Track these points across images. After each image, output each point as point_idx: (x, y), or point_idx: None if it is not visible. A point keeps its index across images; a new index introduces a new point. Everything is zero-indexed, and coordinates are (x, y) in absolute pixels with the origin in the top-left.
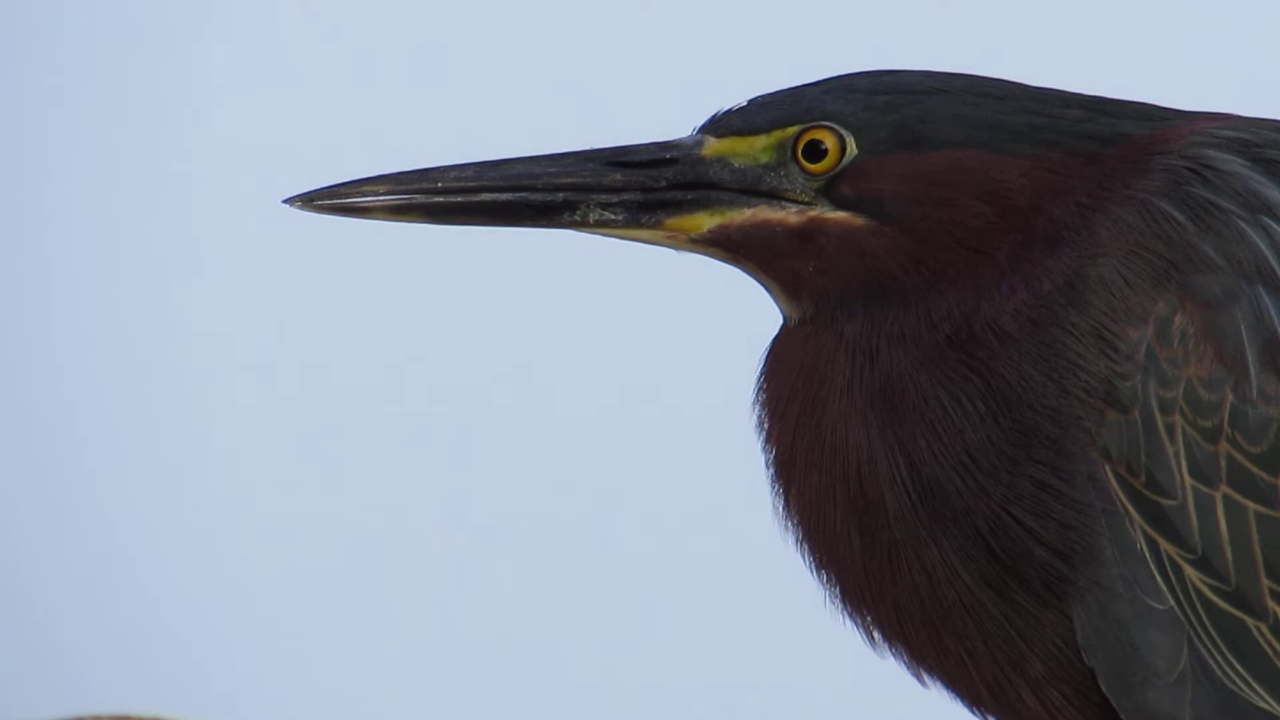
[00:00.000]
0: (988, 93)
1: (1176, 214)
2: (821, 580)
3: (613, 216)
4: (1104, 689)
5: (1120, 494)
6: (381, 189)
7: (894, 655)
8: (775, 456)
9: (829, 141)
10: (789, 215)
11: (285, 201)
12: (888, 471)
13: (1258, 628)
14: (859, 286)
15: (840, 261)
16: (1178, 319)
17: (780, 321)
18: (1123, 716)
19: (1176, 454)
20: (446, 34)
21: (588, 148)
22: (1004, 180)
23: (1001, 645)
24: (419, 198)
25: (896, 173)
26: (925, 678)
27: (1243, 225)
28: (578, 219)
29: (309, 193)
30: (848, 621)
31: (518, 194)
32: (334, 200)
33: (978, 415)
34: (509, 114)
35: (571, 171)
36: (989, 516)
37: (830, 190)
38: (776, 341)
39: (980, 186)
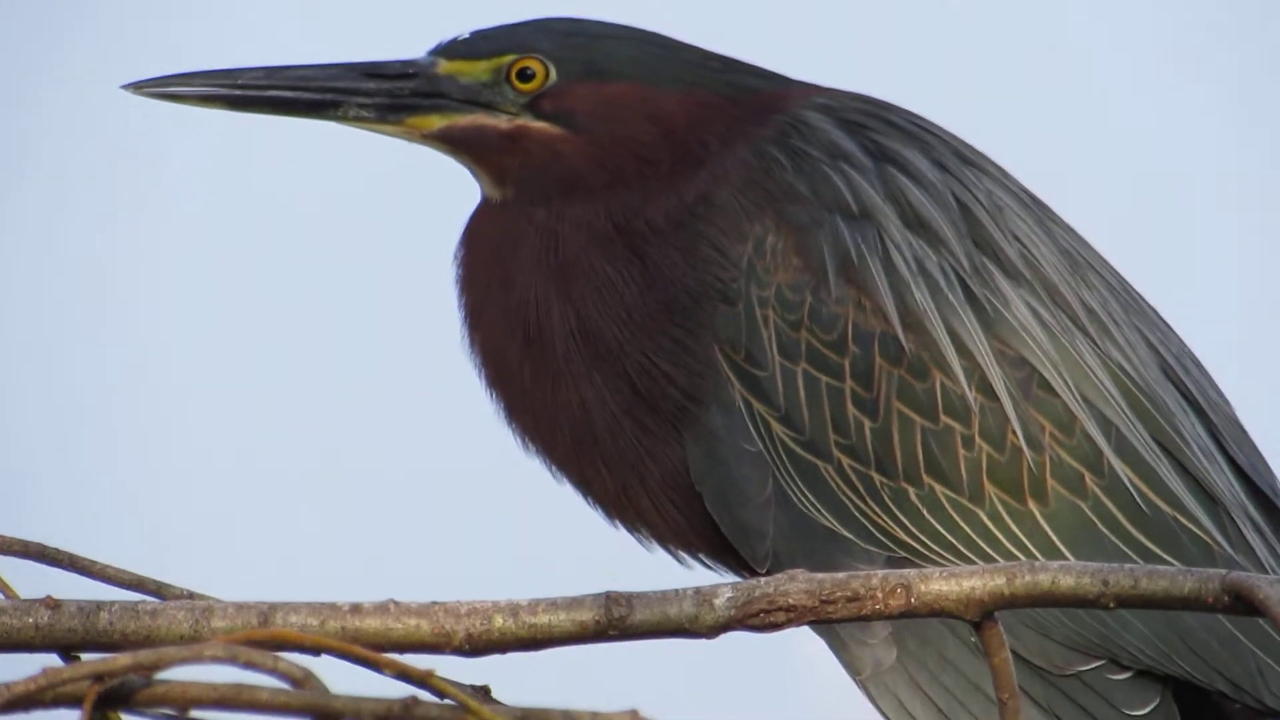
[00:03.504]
0: (653, 42)
1: (781, 157)
2: (493, 398)
3: (366, 115)
4: (710, 509)
5: (725, 366)
6: (196, 83)
7: (540, 459)
8: (468, 305)
9: (537, 68)
10: (501, 122)
11: (123, 87)
12: (560, 321)
13: (825, 468)
14: (552, 180)
15: (540, 159)
16: (770, 238)
17: (480, 201)
18: (724, 529)
19: (769, 338)
20: None
21: (350, 61)
22: (666, 107)
23: (632, 461)
24: (222, 90)
25: (586, 95)
26: (563, 479)
27: (826, 169)
28: (340, 115)
29: (141, 81)
30: (508, 430)
31: (296, 92)
32: (160, 89)
33: (635, 285)
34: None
35: (337, 77)
36: (637, 361)
37: (533, 106)
38: (476, 217)
39: (648, 110)
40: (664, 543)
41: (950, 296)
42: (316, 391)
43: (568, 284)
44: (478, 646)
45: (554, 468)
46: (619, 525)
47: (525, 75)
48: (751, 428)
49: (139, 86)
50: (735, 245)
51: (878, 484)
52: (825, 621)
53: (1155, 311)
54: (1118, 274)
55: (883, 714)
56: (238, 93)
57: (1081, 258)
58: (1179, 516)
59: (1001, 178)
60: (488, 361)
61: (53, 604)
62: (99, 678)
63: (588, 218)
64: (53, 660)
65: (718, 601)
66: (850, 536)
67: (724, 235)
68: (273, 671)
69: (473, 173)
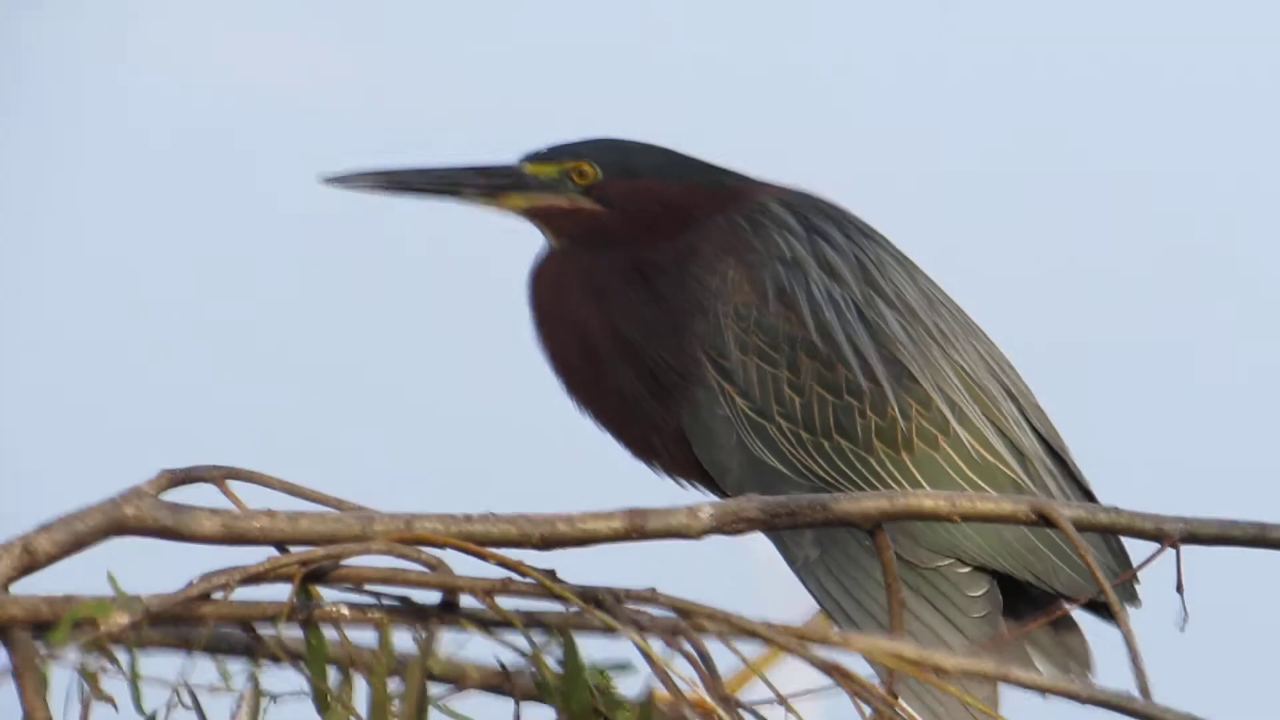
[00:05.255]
0: (665, 153)
1: (745, 226)
2: (558, 381)
3: (476, 196)
4: (696, 452)
5: (704, 359)
6: (368, 180)
7: (589, 417)
8: (537, 321)
9: (589, 170)
10: (564, 201)
11: (321, 180)
12: (601, 331)
13: (770, 427)
14: (595, 238)
15: (588, 225)
16: (732, 274)
17: (545, 249)
18: (705, 466)
19: (730, 339)
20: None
21: (468, 162)
22: (671, 195)
23: (652, 421)
24: (384, 181)
25: (620, 187)
26: (606, 431)
27: (773, 234)
28: (459, 197)
29: (332, 176)
30: (570, 401)
31: (431, 182)
32: (346, 183)
33: (649, 305)
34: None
35: (459, 174)
36: (652, 356)
37: (587, 192)
38: (543, 259)
39: (659, 197)
40: (671, 474)
41: (849, 317)
42: (430, 377)
43: (605, 305)
44: (548, 544)
45: (600, 425)
46: (643, 462)
47: (581, 174)
48: (722, 399)
49: (331, 179)
50: (710, 278)
51: (804, 438)
52: (771, 529)
53: (985, 332)
54: (961, 308)
55: (810, 591)
56: (394, 183)
57: (936, 297)
58: (999, 465)
59: (886, 245)
60: (554, 357)
61: (270, 513)
62: (305, 563)
63: (617, 261)
64: (271, 552)
65: (703, 514)
66: (787, 472)
67: (704, 272)
68: (416, 560)
69: (542, 232)
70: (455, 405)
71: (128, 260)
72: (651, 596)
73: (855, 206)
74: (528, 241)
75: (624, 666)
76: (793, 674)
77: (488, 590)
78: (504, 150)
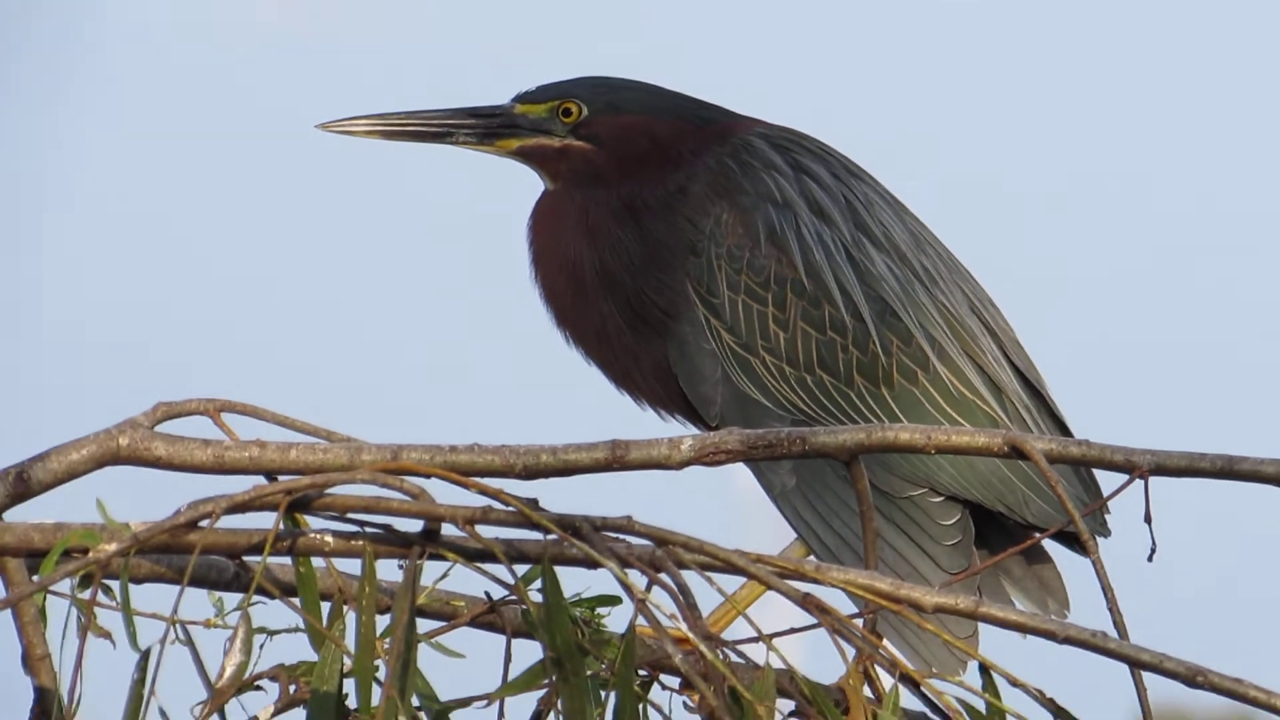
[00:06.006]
0: (650, 89)
1: (734, 166)
2: (548, 313)
3: (470, 140)
4: (681, 386)
5: (694, 295)
6: (362, 122)
7: (576, 349)
8: (533, 254)
9: (575, 108)
10: (554, 142)
11: (317, 126)
12: (589, 265)
13: (754, 361)
14: (585, 176)
15: (578, 164)
16: (725, 216)
17: (542, 191)
18: (690, 399)
19: (721, 278)
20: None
21: (459, 106)
22: (657, 131)
23: (632, 354)
24: (379, 126)
25: (607, 124)
26: (591, 364)
27: (762, 175)
28: (452, 141)
29: (328, 121)
30: (558, 334)
31: (425, 126)
32: (340, 128)
33: (636, 242)
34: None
35: (451, 117)
36: (634, 290)
37: (575, 131)
38: (539, 200)
39: (646, 132)
40: (652, 406)
41: (838, 257)
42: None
43: (594, 241)
44: (530, 474)
45: (585, 357)
46: (625, 394)
47: (568, 112)
48: (708, 334)
49: (326, 125)
50: (702, 219)
51: (787, 373)
52: (751, 460)
53: (969, 271)
54: (947, 248)
55: (786, 518)
56: (389, 128)
57: (923, 237)
58: (976, 400)
59: (874, 184)
60: (545, 289)
61: (261, 444)
62: (289, 492)
63: (607, 199)
64: (260, 480)
65: (683, 446)
66: (769, 406)
67: (696, 213)
68: (399, 489)
69: (537, 173)
70: (449, 345)
71: (139, 206)
72: (628, 525)
73: (843, 145)
74: (526, 181)
75: (611, 600)
76: (776, 611)
77: (468, 519)
78: (501, 93)
